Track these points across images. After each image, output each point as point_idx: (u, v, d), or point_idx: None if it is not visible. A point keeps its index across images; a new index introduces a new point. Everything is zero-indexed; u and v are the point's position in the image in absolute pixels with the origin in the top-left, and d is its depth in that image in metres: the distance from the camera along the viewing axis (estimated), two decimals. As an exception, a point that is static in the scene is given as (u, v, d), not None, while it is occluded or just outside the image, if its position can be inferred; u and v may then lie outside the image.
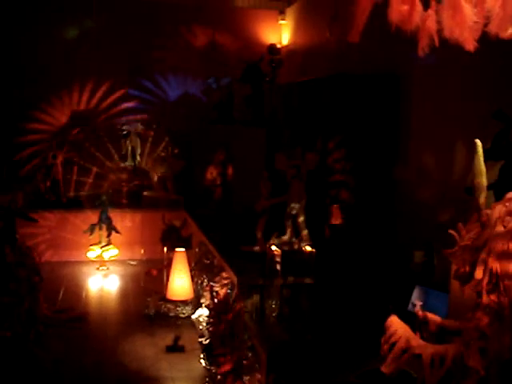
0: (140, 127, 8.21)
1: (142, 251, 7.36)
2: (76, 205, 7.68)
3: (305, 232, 4.19)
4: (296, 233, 4.25)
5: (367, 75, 5.44)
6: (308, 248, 4.19)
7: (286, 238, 4.30)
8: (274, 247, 4.44)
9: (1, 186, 7.37)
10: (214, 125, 7.81)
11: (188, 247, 5.49)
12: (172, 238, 5.56)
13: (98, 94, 8.21)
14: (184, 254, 4.67)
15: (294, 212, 4.19)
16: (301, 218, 4.18)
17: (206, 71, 8.57)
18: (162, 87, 8.46)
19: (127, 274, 7.05)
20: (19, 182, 7.65)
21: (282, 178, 4.47)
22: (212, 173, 7.19)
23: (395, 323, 2.26)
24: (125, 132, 8.18)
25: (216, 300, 3.96)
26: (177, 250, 4.68)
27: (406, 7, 1.85)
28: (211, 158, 7.15)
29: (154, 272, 5.91)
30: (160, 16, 8.42)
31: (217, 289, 4.76)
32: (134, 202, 7.90)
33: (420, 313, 2.37)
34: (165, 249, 5.82)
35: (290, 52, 9.08)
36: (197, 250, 5.94)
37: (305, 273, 4.16)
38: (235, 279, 4.56)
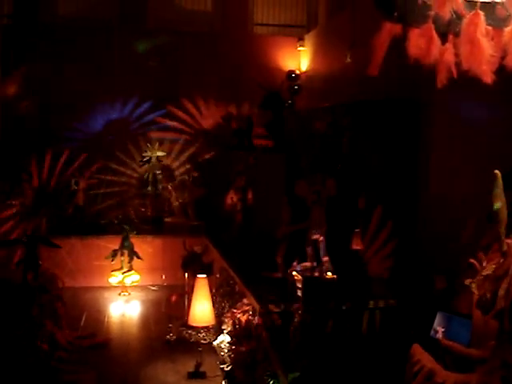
0: (161, 153, 8.33)
1: (163, 277, 7.41)
2: (98, 230, 7.77)
3: (326, 258, 4.20)
4: (317, 259, 4.26)
5: (387, 100, 5.48)
6: (329, 274, 4.20)
7: (307, 264, 4.31)
8: (294, 273, 4.46)
9: (26, 212, 7.51)
10: (234, 151, 7.87)
11: (209, 273, 5.52)
12: (193, 264, 5.60)
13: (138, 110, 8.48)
14: (205, 281, 4.70)
15: (314, 238, 4.21)
16: (322, 245, 4.19)
17: (225, 98, 8.69)
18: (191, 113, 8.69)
19: (148, 299, 7.09)
20: (43, 206, 7.78)
21: (302, 203, 4.49)
22: (232, 198, 7.23)
23: (418, 352, 2.27)
24: (146, 158, 8.29)
25: (238, 327, 3.97)
26: (198, 276, 4.71)
27: (424, 41, 1.89)
28: (232, 183, 7.19)
29: (175, 298, 5.94)
30: (185, 45, 8.65)
31: (238, 315, 4.78)
32: (155, 227, 7.97)
33: (443, 341, 2.37)
34: (186, 275, 5.85)
35: (309, 78, 9.17)
36: (218, 275, 5.97)
37: (326, 299, 4.16)
38: (256, 306, 4.57)
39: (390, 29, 2.04)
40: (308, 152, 5.86)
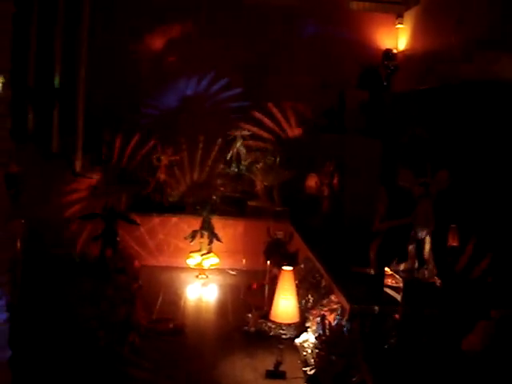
0: (247, 132, 7.96)
1: (244, 261, 7.10)
2: (178, 209, 7.52)
3: (431, 262, 3.69)
4: (420, 261, 3.78)
5: (495, 83, 4.86)
6: (435, 279, 3.71)
7: (407, 265, 3.82)
8: (391, 273, 4.00)
9: (106, 187, 7.35)
10: (324, 133, 7.44)
11: (293, 264, 5.11)
12: (277, 252, 5.22)
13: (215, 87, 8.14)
14: (291, 274, 4.29)
15: (419, 237, 3.71)
16: (427, 246, 3.69)
17: (317, 75, 8.20)
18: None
19: (226, 283, 6.78)
20: (124, 183, 7.61)
21: (404, 195, 4.00)
22: (316, 182, 6.82)
23: None
24: (231, 136, 7.95)
25: (326, 329, 3.55)
26: (284, 268, 4.31)
27: None
28: (320, 167, 6.78)
29: (255, 286, 5.59)
30: (275, 20, 8.20)
31: (325, 313, 4.36)
32: (237, 209, 7.64)
33: None
34: (268, 263, 5.48)
35: (407, 57, 8.53)
36: (302, 266, 5.57)
37: (429, 306, 3.68)
38: (346, 305, 4.15)
39: None
40: (410, 138, 5.33)
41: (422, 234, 3.71)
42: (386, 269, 3.92)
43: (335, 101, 7.50)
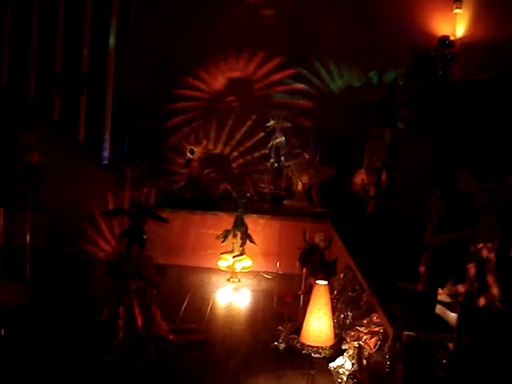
0: (286, 124, 7.36)
1: (278, 264, 6.54)
2: (210, 205, 6.99)
3: (495, 284, 3.04)
4: (481, 282, 3.13)
5: None
6: (498, 305, 3.06)
7: (465, 287, 3.18)
8: (445, 294, 3.36)
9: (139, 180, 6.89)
10: (372, 127, 6.78)
11: (331, 274, 4.53)
12: (313, 260, 4.61)
13: (266, 68, 7.55)
14: (326, 288, 3.70)
15: (482, 254, 3.07)
16: (490, 263, 3.04)
17: (365, 63, 7.52)
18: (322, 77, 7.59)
19: (260, 289, 6.23)
20: (153, 175, 7.13)
21: (463, 202, 3.35)
22: (363, 179, 6.19)
23: None
24: (269, 128, 7.38)
25: (364, 368, 2.96)
26: (317, 282, 3.72)
27: None
28: (367, 164, 6.15)
29: (289, 298, 5.02)
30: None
31: (364, 336, 3.76)
32: (273, 207, 7.06)
33: None
34: (303, 271, 4.90)
35: (466, 45, 7.78)
36: (341, 275, 4.96)
37: (491, 337, 3.03)
38: (389, 329, 3.53)
39: None
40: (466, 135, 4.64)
41: (484, 249, 3.06)
42: (440, 290, 3.29)
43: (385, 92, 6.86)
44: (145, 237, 5.94)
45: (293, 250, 5.78)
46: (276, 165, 7.27)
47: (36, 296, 5.33)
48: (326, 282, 3.74)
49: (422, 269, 4.07)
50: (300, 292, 4.95)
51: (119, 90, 7.03)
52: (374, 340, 3.64)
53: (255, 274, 6.53)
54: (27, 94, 6.83)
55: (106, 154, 6.87)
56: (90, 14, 6.72)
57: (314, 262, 4.62)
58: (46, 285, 5.60)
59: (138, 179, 6.78)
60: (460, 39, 7.90)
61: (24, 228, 5.99)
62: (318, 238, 6.38)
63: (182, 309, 5.42)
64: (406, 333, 3.37)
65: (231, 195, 6.60)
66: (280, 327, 4.92)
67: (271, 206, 7.12)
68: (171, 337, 4.64)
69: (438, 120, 5.30)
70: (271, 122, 7.34)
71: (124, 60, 7.09)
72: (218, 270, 6.44)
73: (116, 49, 6.91)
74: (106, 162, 6.90)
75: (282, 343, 4.63)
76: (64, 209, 6.61)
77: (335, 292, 4.87)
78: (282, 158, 7.26)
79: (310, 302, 3.71)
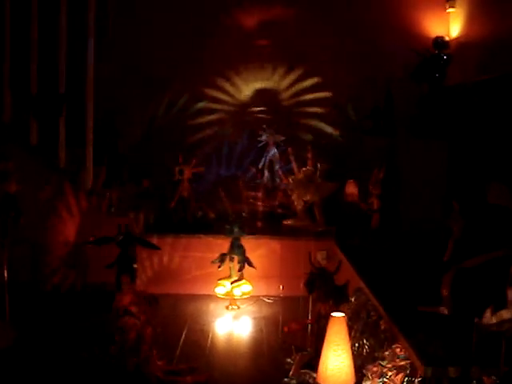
0: (280, 137, 6.97)
1: (281, 287, 6.10)
2: (204, 228, 6.55)
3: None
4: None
5: None
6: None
7: (506, 315, 2.78)
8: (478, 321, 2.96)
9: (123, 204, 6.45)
10: (368, 136, 6.43)
11: (344, 300, 4.11)
12: (322, 285, 4.18)
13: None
14: (344, 321, 3.28)
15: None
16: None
17: (356, 69, 7.15)
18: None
19: (262, 316, 5.77)
20: (142, 199, 6.68)
21: (494, 218, 2.95)
22: (354, 191, 5.85)
23: None
24: (263, 142, 6.97)
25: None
26: (333, 314, 3.30)
27: None
28: (368, 176, 5.78)
29: (295, 326, 4.58)
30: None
31: (389, 372, 3.34)
32: (270, 225, 6.64)
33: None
34: (310, 298, 4.48)
35: (462, 45, 7.44)
36: (353, 299, 4.54)
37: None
38: (418, 364, 3.11)
39: None
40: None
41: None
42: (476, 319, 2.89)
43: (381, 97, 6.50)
44: (135, 266, 5.56)
45: (295, 271, 5.53)
46: (271, 180, 6.86)
47: (19, 339, 4.88)
48: (342, 314, 3.31)
49: (444, 292, 3.67)
50: (308, 321, 4.52)
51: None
52: (400, 376, 3.22)
53: (255, 298, 6.08)
54: (1, 117, 6.34)
55: (88, 178, 6.41)
56: (65, 29, 6.29)
57: (323, 288, 4.19)
58: (30, 325, 5.14)
59: (125, 203, 6.33)
60: (455, 39, 7.59)
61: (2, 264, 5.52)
62: (320, 257, 6.00)
63: (180, 344, 4.96)
64: (438, 368, 2.97)
65: (226, 216, 6.18)
66: (288, 359, 4.48)
67: (268, 225, 6.69)
68: (169, 379, 4.19)
69: (448, 126, 4.92)
70: (263, 136, 6.94)
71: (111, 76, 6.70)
72: (215, 297, 6.00)
73: (96, 64, 6.46)
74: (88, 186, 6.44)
75: (293, 379, 4.19)
76: (46, 239, 6.16)
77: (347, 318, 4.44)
78: (277, 173, 6.85)
79: (326, 338, 3.29)
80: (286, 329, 4.49)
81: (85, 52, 6.33)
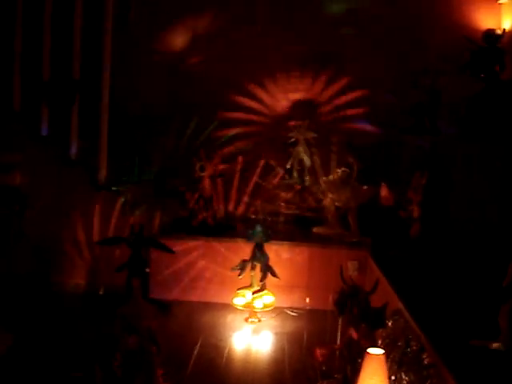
0: (311, 134, 6.37)
1: (307, 300, 5.55)
2: (225, 231, 6.01)
3: None
4: None
5: None
6: None
7: None
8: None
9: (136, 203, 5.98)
10: (409, 135, 5.84)
11: (380, 325, 3.53)
12: (354, 307, 3.60)
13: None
14: (382, 359, 2.72)
15: None
16: None
17: (398, 63, 6.53)
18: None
19: (285, 330, 5.21)
20: (158, 197, 6.19)
21: None
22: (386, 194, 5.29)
23: None
24: (292, 139, 6.39)
25: None
26: (370, 351, 2.73)
27: None
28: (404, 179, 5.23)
29: (323, 351, 4.01)
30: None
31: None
32: (298, 231, 6.08)
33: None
34: (340, 320, 3.91)
35: (515, 39, 6.82)
36: (389, 323, 3.94)
37: None
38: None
39: None
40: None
41: None
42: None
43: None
44: (147, 270, 5.19)
45: (323, 282, 5.28)
46: (299, 182, 6.29)
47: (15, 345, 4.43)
48: (382, 351, 2.74)
49: (502, 322, 3.08)
50: (336, 346, 3.95)
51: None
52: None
53: (278, 311, 5.52)
54: (11, 104, 5.90)
55: (102, 172, 5.95)
56: (80, 13, 5.81)
57: (356, 309, 3.61)
58: (28, 331, 4.69)
59: (139, 201, 5.85)
60: (508, 32, 6.96)
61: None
62: (352, 268, 5.49)
63: (191, 362, 4.43)
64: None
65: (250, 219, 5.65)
66: (318, 386, 3.93)
67: (295, 230, 6.13)
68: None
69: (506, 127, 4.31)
70: (293, 133, 6.36)
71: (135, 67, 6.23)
72: (233, 308, 5.46)
73: (113, 51, 5.98)
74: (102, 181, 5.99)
75: (318, 412, 3.64)
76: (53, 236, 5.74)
77: (383, 345, 3.85)
78: (307, 175, 6.27)
79: (361, 376, 2.71)
80: (318, 352, 3.94)
81: (101, 36, 5.85)
